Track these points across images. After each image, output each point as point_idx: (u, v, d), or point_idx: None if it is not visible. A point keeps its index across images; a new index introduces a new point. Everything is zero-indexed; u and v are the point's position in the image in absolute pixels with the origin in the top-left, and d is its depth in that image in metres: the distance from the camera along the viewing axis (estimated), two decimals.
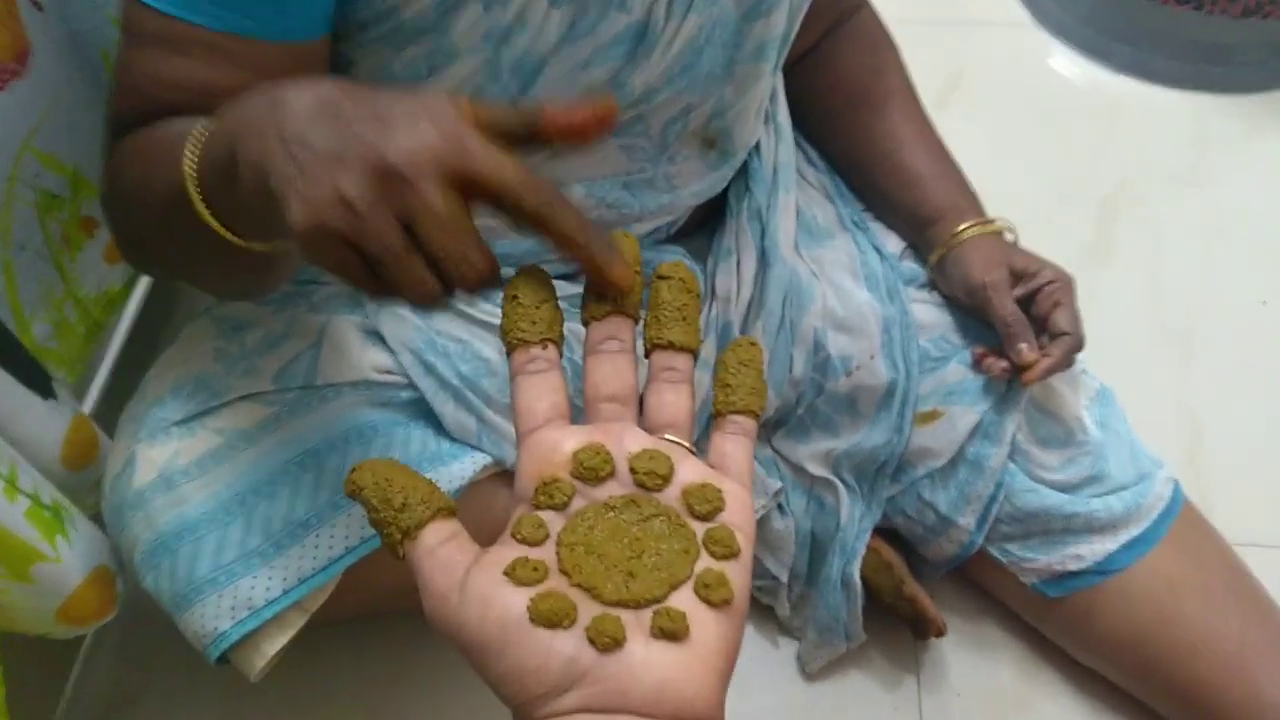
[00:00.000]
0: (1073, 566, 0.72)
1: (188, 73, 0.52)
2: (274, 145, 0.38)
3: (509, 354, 0.40)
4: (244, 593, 0.60)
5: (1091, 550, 0.72)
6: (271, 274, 0.54)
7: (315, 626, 0.62)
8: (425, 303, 0.38)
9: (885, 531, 0.79)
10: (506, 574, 0.33)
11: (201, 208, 0.44)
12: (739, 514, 0.37)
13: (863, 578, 0.75)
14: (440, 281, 0.38)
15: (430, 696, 0.79)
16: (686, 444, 0.39)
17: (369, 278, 0.38)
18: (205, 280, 0.56)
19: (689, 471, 0.37)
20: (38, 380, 0.62)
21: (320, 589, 0.61)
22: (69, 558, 0.59)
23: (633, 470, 0.37)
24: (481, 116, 0.38)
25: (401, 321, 0.69)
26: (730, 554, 0.35)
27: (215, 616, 0.60)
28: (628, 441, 0.38)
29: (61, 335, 0.70)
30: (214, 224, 0.44)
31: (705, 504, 0.36)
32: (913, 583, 0.76)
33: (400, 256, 0.36)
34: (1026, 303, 0.72)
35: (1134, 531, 0.72)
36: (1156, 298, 1.06)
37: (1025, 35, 1.34)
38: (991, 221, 0.76)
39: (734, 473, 0.38)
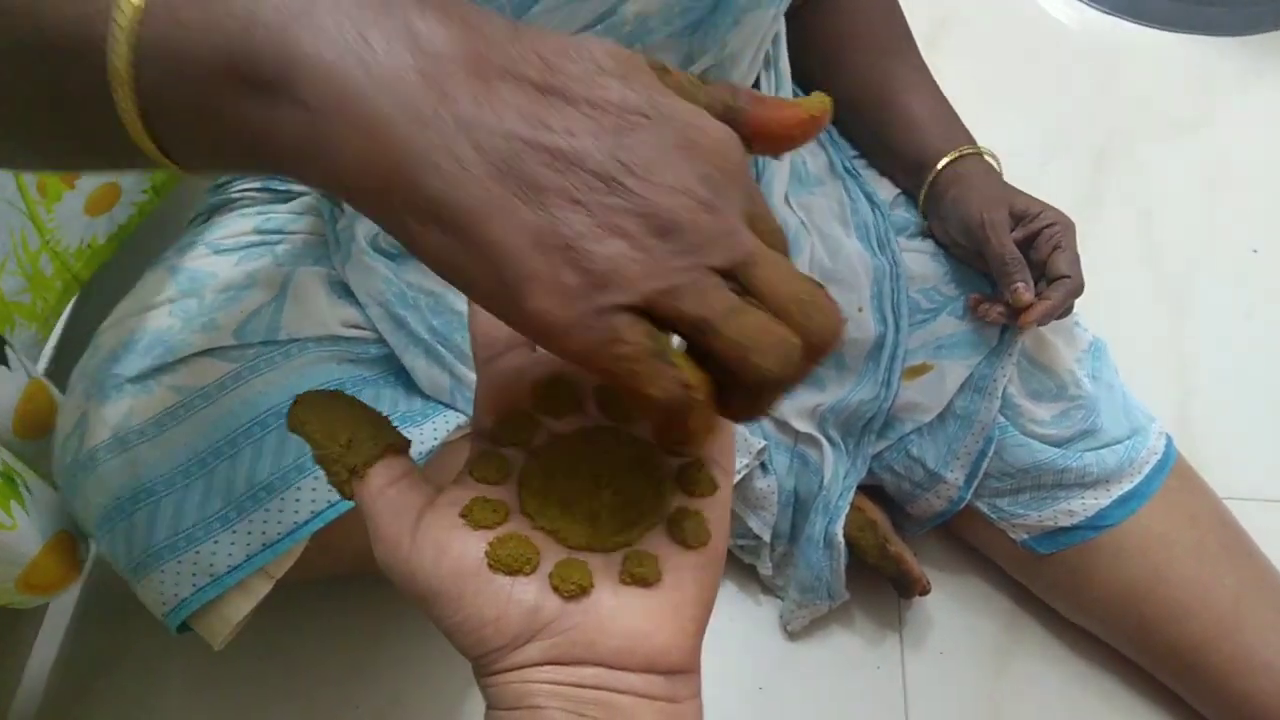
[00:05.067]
0: (1064, 522, 0.71)
1: None
2: (449, 141, 0.25)
3: None
4: (204, 559, 0.57)
5: (1083, 506, 0.70)
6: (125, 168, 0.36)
7: (286, 587, 0.60)
8: (782, 383, 0.26)
9: (869, 488, 0.77)
10: (462, 516, 0.31)
11: (134, 115, 0.27)
12: (716, 448, 0.34)
13: (846, 536, 0.73)
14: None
15: (410, 656, 0.77)
16: None
17: (684, 360, 0.26)
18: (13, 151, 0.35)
19: None
20: None
21: (285, 554, 0.58)
22: (25, 525, 0.56)
23: (600, 401, 0.34)
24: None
25: (370, 273, 0.66)
26: (707, 491, 0.33)
27: (175, 584, 0.57)
28: None
29: (35, 289, 0.67)
30: (140, 136, 0.28)
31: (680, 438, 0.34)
32: (897, 541, 0.74)
33: (740, 308, 0.25)
34: (1026, 246, 0.69)
35: (1126, 487, 0.70)
36: (1149, 247, 1.04)
37: None
38: (978, 150, 0.75)
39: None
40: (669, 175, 0.25)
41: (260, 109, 0.26)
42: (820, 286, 0.27)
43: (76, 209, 0.71)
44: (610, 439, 0.33)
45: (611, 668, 0.29)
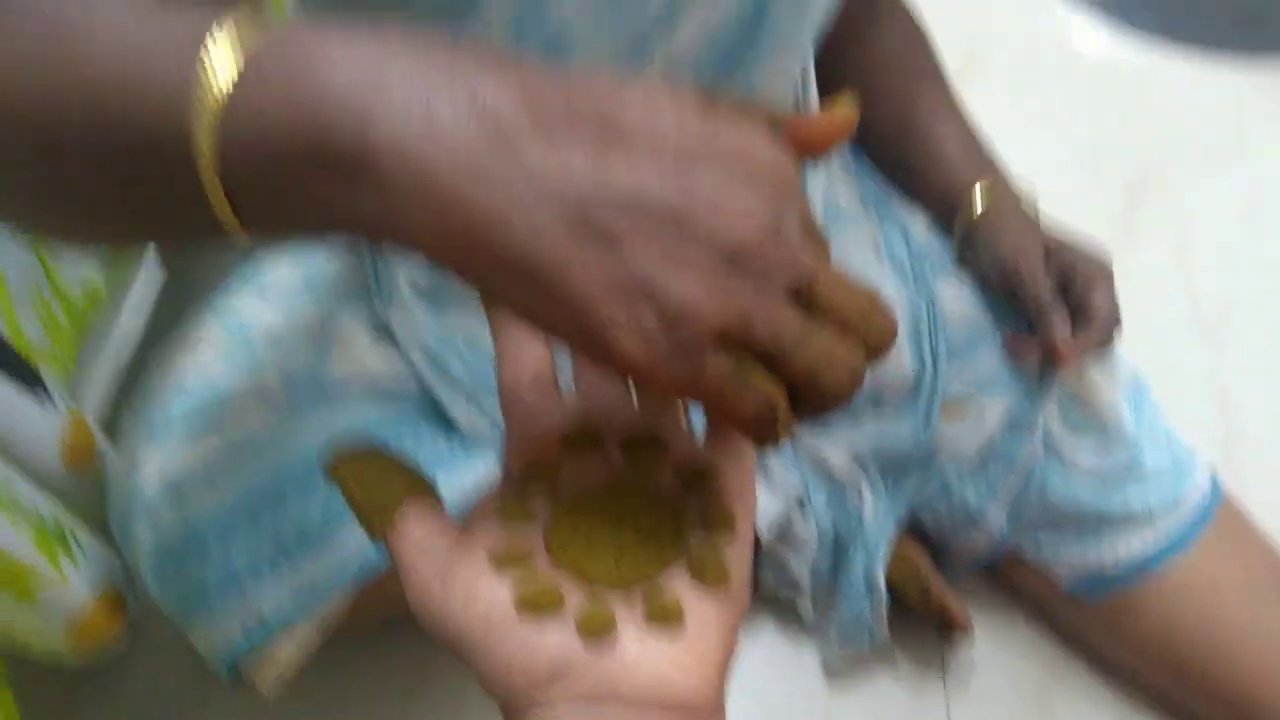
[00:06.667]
0: (1109, 564, 0.70)
1: None
2: (519, 198, 0.25)
3: (487, 311, 0.37)
4: (254, 604, 0.58)
5: (1128, 547, 0.69)
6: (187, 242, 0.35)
7: (331, 636, 0.60)
8: (844, 393, 0.27)
9: (911, 528, 0.77)
10: (491, 560, 0.31)
11: (220, 196, 0.28)
12: (737, 486, 0.34)
13: (887, 579, 0.73)
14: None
15: (450, 707, 0.77)
16: (681, 412, 0.36)
17: (764, 379, 0.27)
18: (69, 218, 0.34)
19: (684, 442, 0.35)
20: (30, 381, 0.60)
21: (334, 602, 0.59)
22: (75, 579, 0.57)
23: (624, 442, 0.35)
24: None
25: (411, 316, 0.67)
26: (726, 530, 0.33)
27: (225, 630, 0.58)
28: (619, 410, 0.35)
29: (51, 334, 0.69)
30: (219, 202, 0.28)
31: (700, 477, 0.34)
32: (939, 584, 0.73)
33: (810, 331, 0.27)
34: (1060, 286, 0.69)
35: (1172, 526, 0.69)
36: (1188, 280, 1.03)
37: (1047, 6, 1.30)
38: (1009, 182, 0.74)
39: (732, 443, 0.35)
40: (731, 205, 0.26)
41: (338, 186, 0.27)
42: (874, 293, 0.28)
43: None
44: (633, 483, 0.34)
45: (635, 707, 0.29)
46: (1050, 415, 0.71)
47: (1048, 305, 0.67)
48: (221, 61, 0.27)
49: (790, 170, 0.28)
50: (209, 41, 0.27)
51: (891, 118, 0.79)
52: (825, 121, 0.30)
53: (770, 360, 0.27)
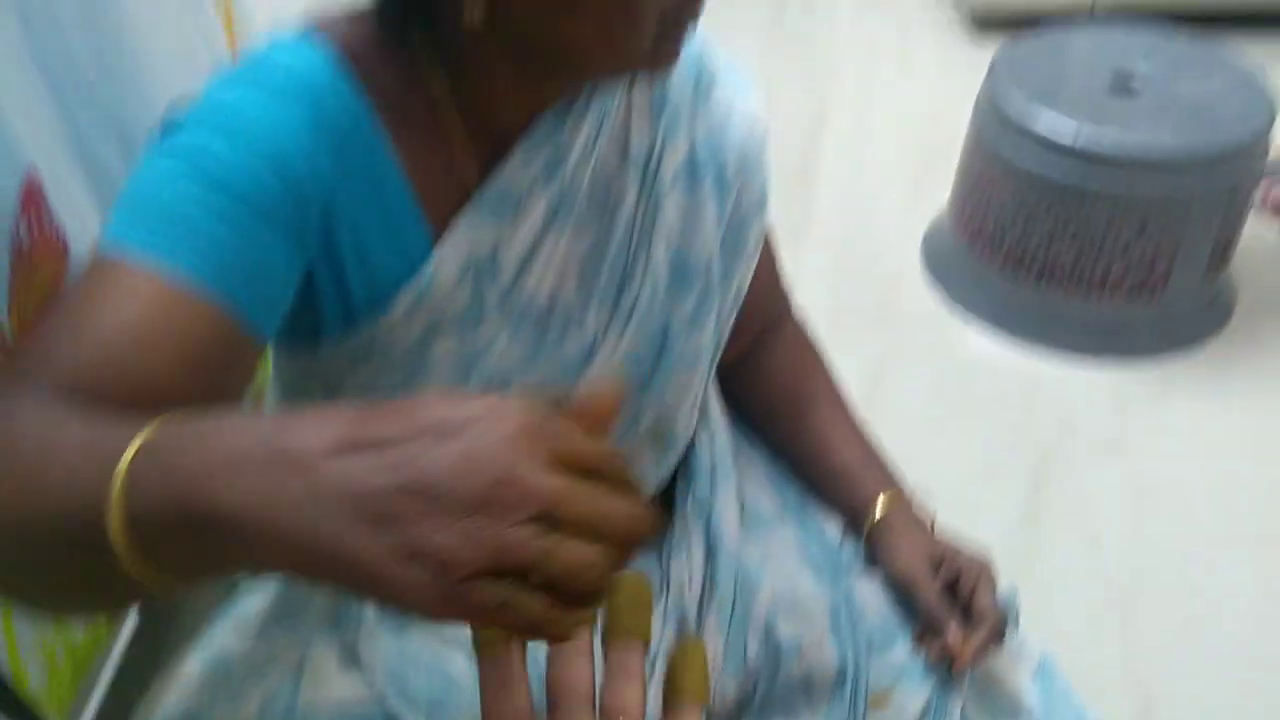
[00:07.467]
0: None
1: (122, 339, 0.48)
2: (321, 514, 0.34)
3: (476, 648, 0.42)
4: None
5: None
6: (133, 601, 0.49)
7: None
8: (596, 585, 0.34)
9: None
10: None
11: (127, 552, 0.37)
12: None
13: None
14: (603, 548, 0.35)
15: None
16: None
17: (526, 598, 0.33)
18: (31, 590, 0.44)
19: None
20: None
21: None
22: None
23: None
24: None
25: (377, 641, 0.73)
26: None
27: None
28: None
29: (51, 678, 0.74)
30: (134, 569, 0.37)
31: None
32: None
33: (555, 546, 0.33)
34: (950, 588, 0.77)
35: None
36: (1092, 561, 1.11)
37: (943, 322, 1.48)
38: (903, 494, 0.84)
39: None
40: (469, 466, 0.33)
41: (207, 544, 0.37)
42: (626, 482, 0.36)
43: None
44: None
45: None
46: (964, 703, 0.77)
47: (937, 616, 0.75)
48: (122, 473, 0.37)
49: (521, 422, 0.35)
50: (119, 458, 0.37)
51: (790, 434, 0.90)
52: (594, 402, 0.39)
53: (529, 575, 0.33)
